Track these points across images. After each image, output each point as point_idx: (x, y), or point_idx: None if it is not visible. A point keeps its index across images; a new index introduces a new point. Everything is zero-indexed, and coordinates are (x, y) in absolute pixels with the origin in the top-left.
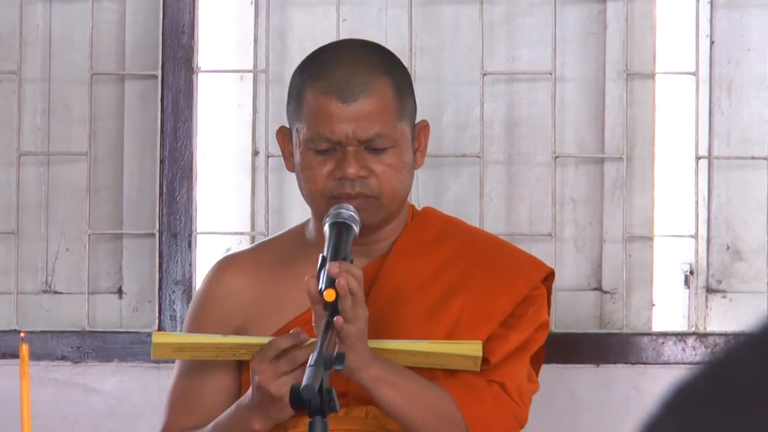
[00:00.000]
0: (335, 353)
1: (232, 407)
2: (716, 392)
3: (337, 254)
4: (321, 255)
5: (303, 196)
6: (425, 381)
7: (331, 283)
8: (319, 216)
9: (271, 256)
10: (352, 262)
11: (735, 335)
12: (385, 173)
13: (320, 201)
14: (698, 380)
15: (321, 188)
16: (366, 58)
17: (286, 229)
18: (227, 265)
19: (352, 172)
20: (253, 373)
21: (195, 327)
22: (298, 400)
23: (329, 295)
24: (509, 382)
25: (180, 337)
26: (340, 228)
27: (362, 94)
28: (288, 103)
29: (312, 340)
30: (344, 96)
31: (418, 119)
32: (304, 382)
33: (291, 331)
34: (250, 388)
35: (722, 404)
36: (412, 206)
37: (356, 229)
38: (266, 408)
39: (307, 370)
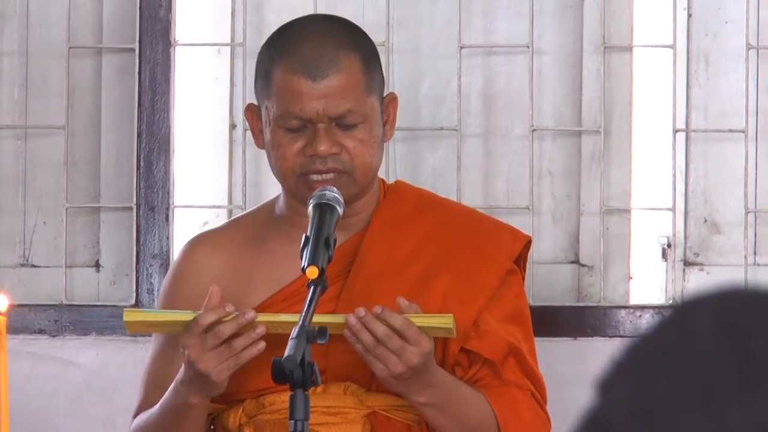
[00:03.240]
0: (318, 327)
1: (173, 383)
2: (669, 351)
3: (320, 234)
4: (304, 234)
5: (273, 173)
6: (472, 400)
7: (313, 260)
8: (290, 193)
9: (243, 233)
10: (335, 242)
11: (689, 297)
12: (356, 148)
13: (291, 178)
14: (651, 340)
15: (292, 165)
16: (332, 34)
17: (256, 206)
18: (198, 243)
19: (324, 149)
20: (183, 349)
21: (167, 306)
22: (279, 372)
23: (312, 272)
24: (537, 384)
25: (150, 315)
26: (324, 209)
27: (331, 71)
28: (255, 80)
29: (235, 313)
30: (313, 73)
31: (394, 92)
32: (286, 353)
33: (205, 305)
34: (183, 364)
35: (674, 363)
36: (382, 180)
37: (340, 210)
38: (198, 383)
39: (290, 342)
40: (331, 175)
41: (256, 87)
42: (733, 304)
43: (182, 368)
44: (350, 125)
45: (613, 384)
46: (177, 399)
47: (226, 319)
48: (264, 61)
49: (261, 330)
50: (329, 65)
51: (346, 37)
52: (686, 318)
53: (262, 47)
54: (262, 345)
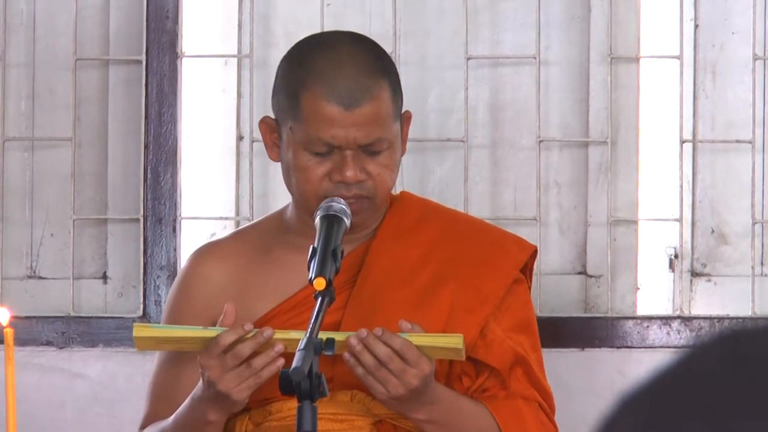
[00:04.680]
0: (325, 339)
1: (189, 398)
2: (678, 384)
3: (327, 245)
4: (312, 246)
5: (291, 192)
6: (473, 415)
7: (320, 271)
8: (308, 213)
9: (250, 243)
10: (343, 253)
11: (700, 339)
12: (381, 174)
13: (314, 201)
14: (659, 380)
15: (316, 189)
16: (363, 59)
17: (263, 216)
18: (204, 254)
19: (351, 175)
20: (203, 369)
21: (173, 318)
22: (287, 383)
23: (319, 284)
24: (545, 395)
25: (161, 330)
26: (331, 220)
27: (364, 100)
28: (278, 96)
29: (254, 330)
30: (347, 103)
31: (409, 110)
32: (293, 365)
33: (219, 324)
34: (200, 381)
35: (684, 393)
36: None
37: (347, 222)
38: (218, 402)
39: (297, 354)
40: (353, 203)
41: (277, 103)
42: (741, 338)
43: (199, 385)
44: (377, 152)
45: (623, 420)
46: (194, 415)
47: (246, 337)
48: (291, 81)
49: (279, 348)
50: (362, 94)
51: (376, 64)
52: (695, 353)
53: (286, 64)
54: (281, 362)
